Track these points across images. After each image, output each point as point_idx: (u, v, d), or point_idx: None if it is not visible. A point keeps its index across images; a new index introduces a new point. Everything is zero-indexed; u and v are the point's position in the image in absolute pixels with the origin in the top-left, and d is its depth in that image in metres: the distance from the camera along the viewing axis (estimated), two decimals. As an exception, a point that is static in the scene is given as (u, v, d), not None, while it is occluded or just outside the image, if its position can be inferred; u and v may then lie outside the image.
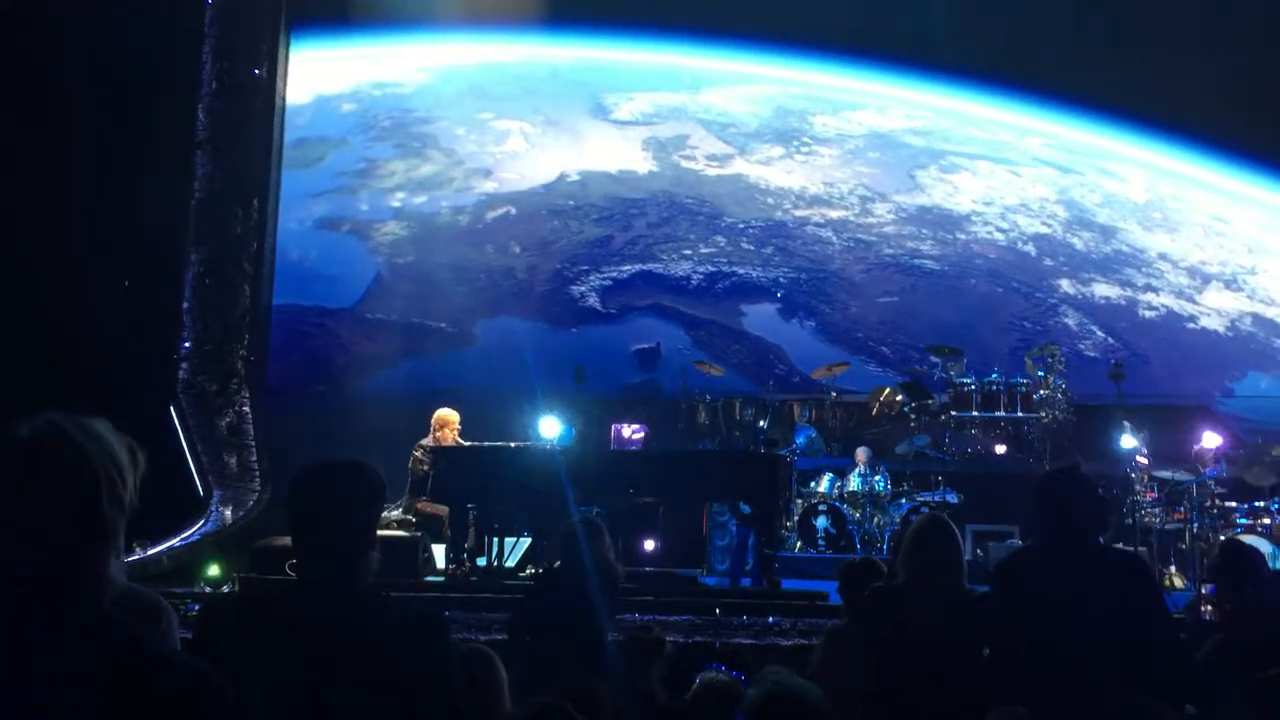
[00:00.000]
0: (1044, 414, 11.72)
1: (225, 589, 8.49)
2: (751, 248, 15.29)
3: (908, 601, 4.33)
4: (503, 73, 16.58)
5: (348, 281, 14.75)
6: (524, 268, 15.14)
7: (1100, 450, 11.36)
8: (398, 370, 12.96)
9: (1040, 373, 11.92)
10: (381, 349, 13.81)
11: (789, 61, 16.53)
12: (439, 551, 9.42)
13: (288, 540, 8.38)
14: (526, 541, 9.55)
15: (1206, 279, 15.17)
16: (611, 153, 15.96)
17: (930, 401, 11.96)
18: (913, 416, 12.02)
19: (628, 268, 15.03)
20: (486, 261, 15.11)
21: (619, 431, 10.57)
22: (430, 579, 9.12)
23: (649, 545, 10.87)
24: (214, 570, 8.56)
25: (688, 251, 15.19)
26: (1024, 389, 11.73)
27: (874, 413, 12.30)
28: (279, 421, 11.79)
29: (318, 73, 15.46)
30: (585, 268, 15.05)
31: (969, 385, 11.80)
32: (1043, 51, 14.96)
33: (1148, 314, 14.96)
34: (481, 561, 9.24)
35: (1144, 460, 10.33)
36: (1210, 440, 10.65)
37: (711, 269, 15.09)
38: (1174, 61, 14.21)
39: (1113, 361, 11.80)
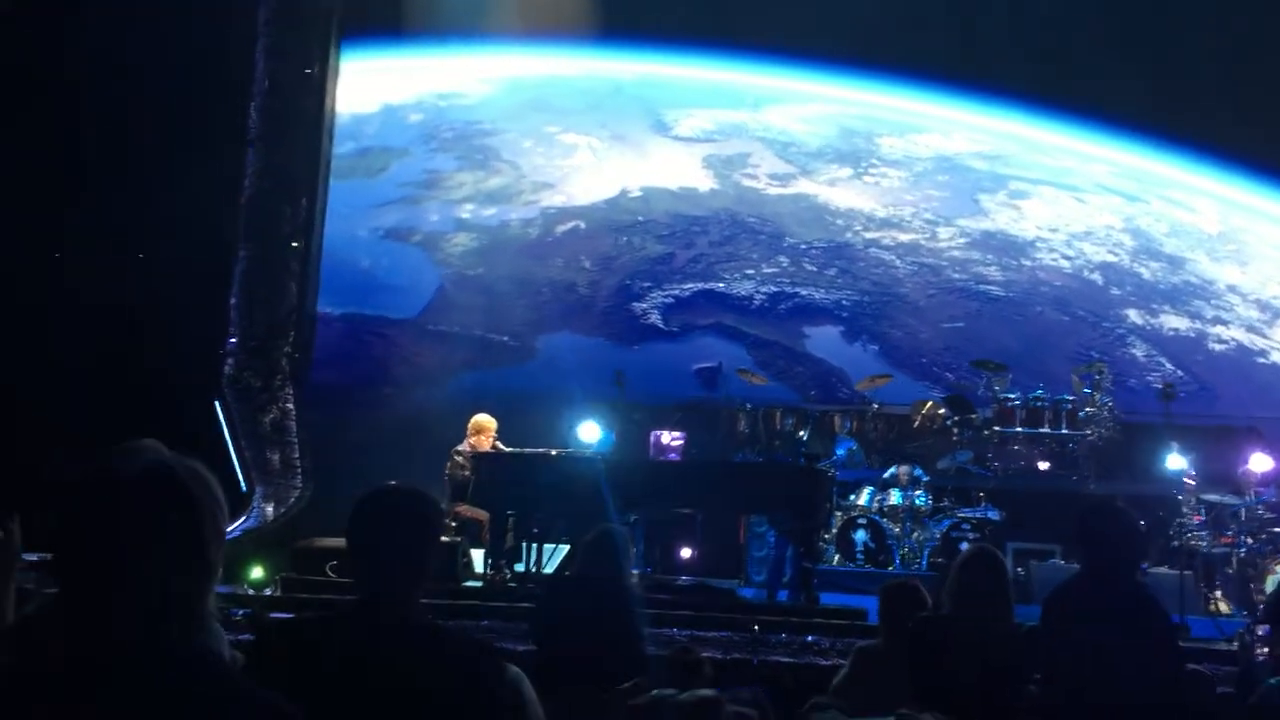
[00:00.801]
0: (1090, 431, 11.58)
1: (268, 591, 8.57)
2: (815, 269, 15.22)
3: (953, 632, 4.29)
4: (567, 86, 16.62)
5: (411, 292, 14.82)
6: (586, 283, 15.14)
7: (1147, 470, 11.22)
8: (460, 382, 12.91)
9: (1087, 390, 11.78)
10: (443, 360, 13.76)
11: (849, 81, 16.46)
12: (478, 556, 9.45)
13: (329, 541, 8.46)
14: (565, 548, 9.55)
15: (1277, 313, 14.93)
16: (673, 169, 15.98)
17: (974, 416, 11.85)
18: (955, 431, 11.91)
19: (690, 286, 15.00)
20: (549, 275, 15.13)
21: (658, 439, 10.56)
22: (469, 584, 9.15)
23: (686, 554, 10.86)
24: (257, 572, 8.64)
25: (750, 271, 15.13)
26: (1070, 406, 11.59)
27: (916, 426, 12.21)
28: (326, 423, 11.88)
29: (383, 82, 15.60)
30: (647, 284, 15.04)
31: (1013, 400, 11.67)
32: (1110, 79, 14.72)
33: (1217, 347, 14.75)
34: (520, 567, 9.27)
35: (1191, 481, 10.19)
36: (1259, 463, 10.48)
37: (774, 289, 15.03)
38: (1244, 94, 13.99)
39: (1165, 382, 11.64)
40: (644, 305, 14.69)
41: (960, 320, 13.65)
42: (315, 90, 11.78)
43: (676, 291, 14.95)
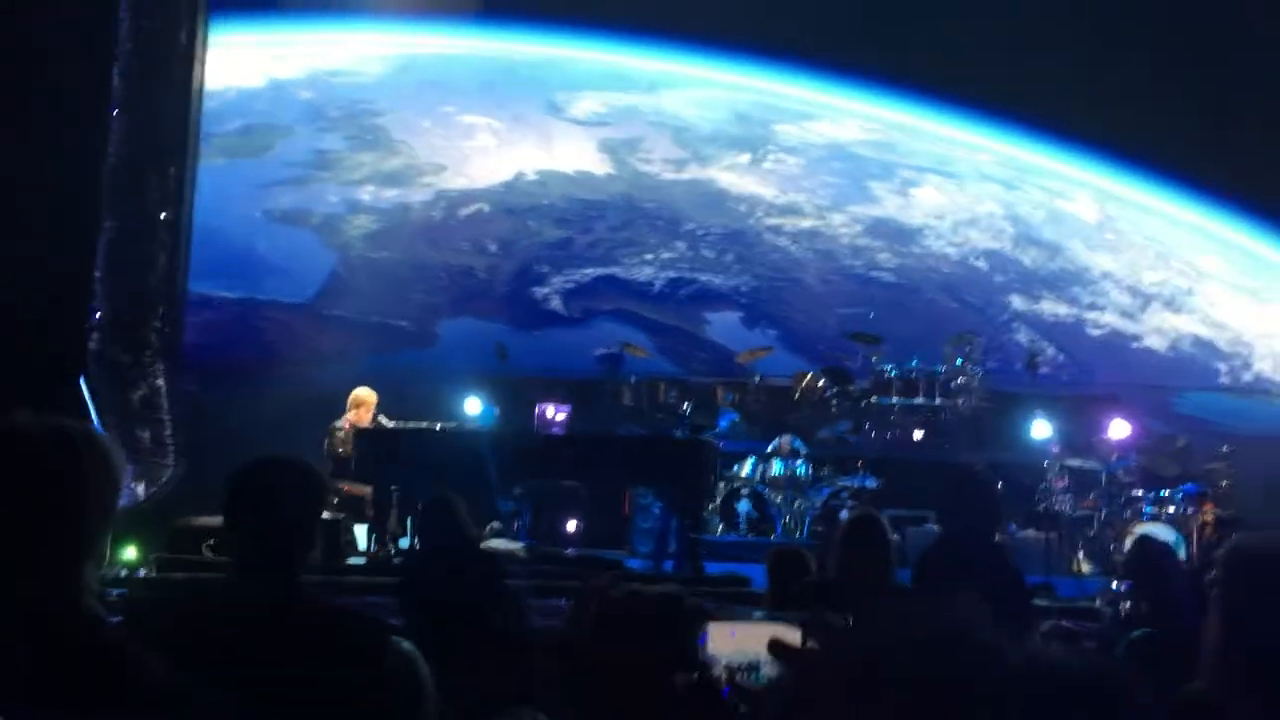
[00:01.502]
0: (960, 401, 11.95)
1: (142, 572, 8.30)
2: (712, 255, 15.27)
3: (840, 596, 4.40)
4: (460, 65, 16.28)
5: (303, 276, 14.39)
6: (484, 267, 14.93)
7: (1015, 438, 11.65)
8: (358, 368, 12.51)
9: (959, 360, 12.16)
10: (340, 346, 13.35)
11: (741, 67, 16.50)
12: (361, 533, 9.32)
13: (206, 520, 8.24)
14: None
15: (1148, 299, 15.57)
16: (567, 153, 15.82)
17: (852, 387, 12.12)
18: (834, 402, 12.17)
19: (589, 271, 14.90)
20: (445, 260, 14.87)
21: (543, 412, 10.54)
22: (353, 561, 9.02)
23: (571, 526, 10.88)
24: (131, 553, 8.36)
25: (649, 256, 15.10)
26: (942, 376, 11.95)
27: (796, 397, 12.43)
28: (212, 404, 11.56)
29: (270, 57, 15.08)
30: (546, 269, 14.87)
31: (889, 372, 11.98)
32: (993, 68, 15.08)
33: (1095, 332, 15.31)
34: (404, 543, 9.17)
35: (1056, 449, 10.62)
36: (1118, 429, 10.98)
37: (674, 274, 15.01)
38: (1121, 82, 14.48)
39: (1028, 352, 12.08)
40: (544, 290, 14.57)
41: (855, 306, 13.79)
42: (183, 54, 11.37)
43: (576, 277, 14.87)
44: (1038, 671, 1.17)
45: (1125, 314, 15.50)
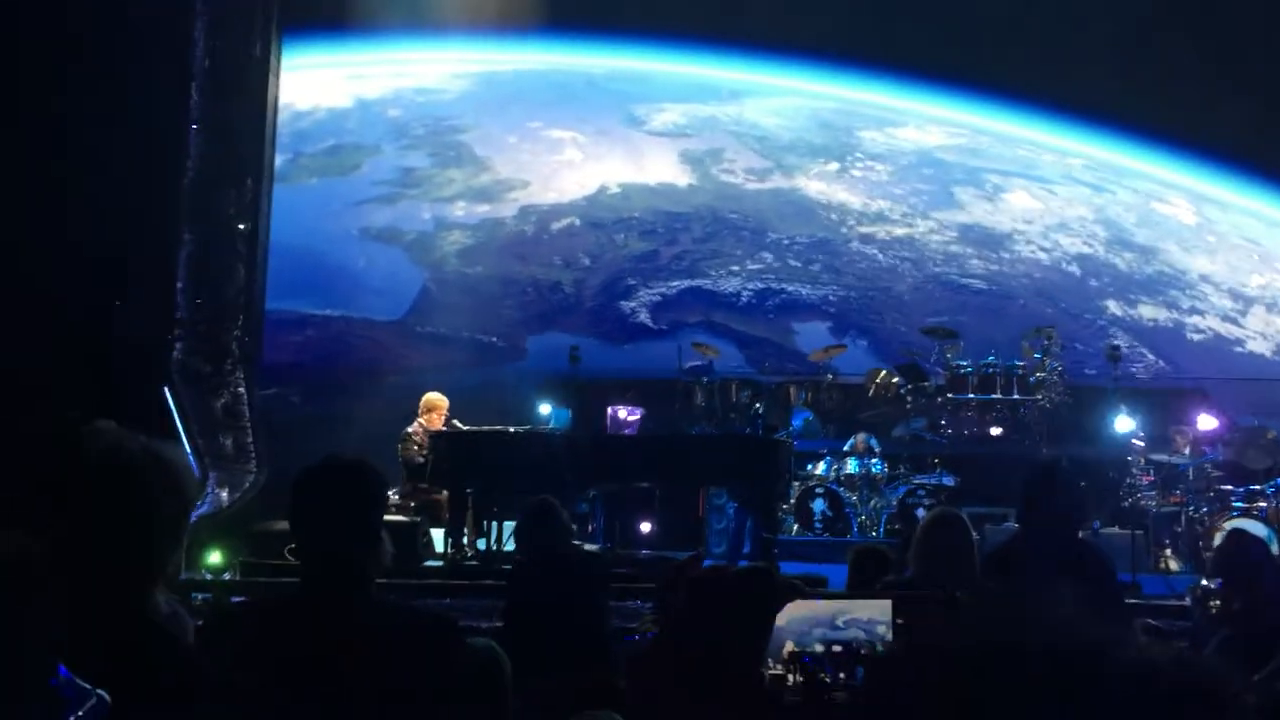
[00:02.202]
0: (1040, 396, 11.71)
1: (226, 576, 8.48)
2: (799, 264, 15.19)
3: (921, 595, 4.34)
4: (540, 80, 16.42)
5: (394, 294, 14.60)
6: (571, 282, 15.01)
7: (1097, 433, 11.39)
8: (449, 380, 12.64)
9: (1037, 355, 11.91)
10: (432, 361, 13.46)
11: (818, 75, 16.41)
12: (438, 536, 9.41)
13: (285, 524, 8.35)
14: (524, 525, 9.53)
15: (1250, 302, 15.15)
16: (649, 165, 15.88)
17: (926, 384, 11.95)
18: (909, 399, 12.01)
19: (676, 283, 14.89)
20: (533, 274, 14.98)
21: (615, 413, 10.55)
22: (430, 564, 9.11)
23: (645, 528, 10.88)
24: (215, 558, 8.54)
25: (735, 268, 15.07)
26: (1020, 372, 11.72)
27: (870, 395, 12.29)
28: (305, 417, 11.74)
29: (358, 78, 15.35)
30: (633, 283, 14.91)
31: (965, 368, 11.78)
32: (1081, 72, 14.81)
33: (1195, 337, 14.93)
34: (481, 545, 9.24)
35: (1140, 443, 10.36)
36: (1205, 423, 10.68)
37: (760, 285, 14.96)
38: (1213, 85, 14.14)
39: (1109, 343, 11.80)
40: (631, 304, 14.57)
41: (945, 314, 13.46)
42: (258, 68, 11.58)
43: (663, 289, 14.87)
44: (1138, 671, 1.12)
45: (1227, 318, 15.08)
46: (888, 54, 15.74)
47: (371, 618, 2.75)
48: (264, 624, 2.76)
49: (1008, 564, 4.49)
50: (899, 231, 15.53)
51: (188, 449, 10.96)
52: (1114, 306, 15.04)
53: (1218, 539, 8.80)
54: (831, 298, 14.90)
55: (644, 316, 14.19)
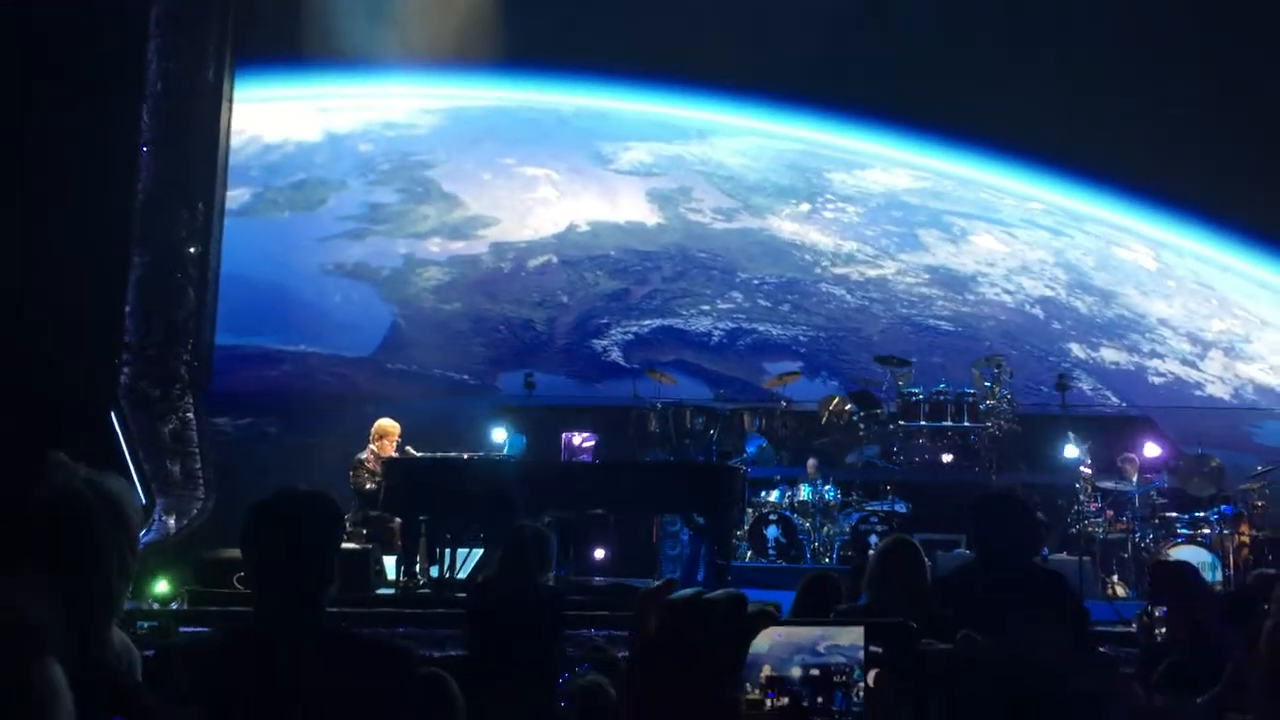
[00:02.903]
0: (990, 424, 11.85)
1: (174, 605, 8.34)
2: (769, 304, 15.26)
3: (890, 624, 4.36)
4: (511, 118, 16.43)
5: (363, 330, 14.47)
6: (543, 320, 14.96)
7: (1045, 460, 11.55)
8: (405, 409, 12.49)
9: (987, 383, 12.06)
10: (405, 397, 13.24)
11: (781, 116, 16.58)
12: (390, 563, 9.33)
13: (234, 552, 8.23)
14: (479, 552, 9.47)
15: (1207, 346, 15.46)
16: (618, 203, 15.91)
17: (879, 411, 12.05)
18: (861, 426, 12.11)
19: (648, 322, 14.90)
20: (504, 312, 14.93)
21: (569, 440, 10.52)
22: (382, 591, 9.02)
23: (600, 555, 10.85)
24: (162, 586, 8.40)
25: (706, 307, 15.12)
26: (971, 399, 11.86)
27: (823, 422, 12.37)
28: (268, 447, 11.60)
29: (325, 110, 15.31)
30: (605, 321, 14.88)
31: (917, 395, 11.90)
32: (1040, 117, 15.12)
33: (1156, 380, 15.18)
34: (434, 573, 9.16)
35: (1088, 470, 10.51)
36: (1150, 450, 10.87)
37: (731, 325, 14.98)
38: (1168, 133, 14.50)
39: (1058, 373, 11.99)
40: (604, 342, 14.52)
41: (913, 355, 13.41)
42: (211, 92, 11.51)
43: (635, 328, 14.87)
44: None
45: (1186, 361, 15.37)
46: (850, 97, 15.99)
47: (324, 648, 2.73)
48: (215, 656, 2.73)
49: (960, 591, 4.51)
50: (868, 272, 15.72)
51: (134, 475, 10.80)
52: (1077, 349, 15.30)
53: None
54: (802, 338, 14.99)
55: (616, 355, 14.16)
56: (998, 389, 11.94)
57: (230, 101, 11.87)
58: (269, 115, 14.39)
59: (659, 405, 12.08)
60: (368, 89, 15.81)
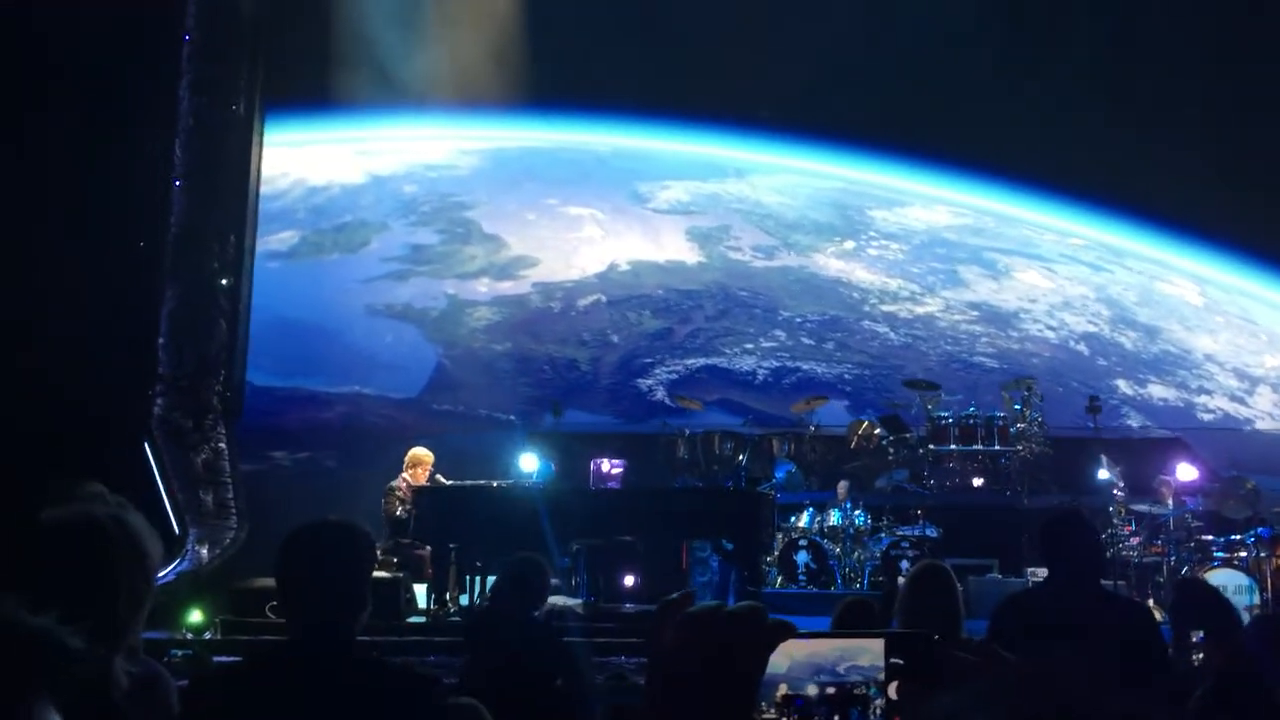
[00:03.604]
0: (1020, 447, 11.78)
1: (207, 635, 8.38)
2: (812, 342, 15.26)
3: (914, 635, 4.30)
4: (550, 158, 16.59)
5: (409, 371, 14.54)
6: (587, 359, 15.00)
7: (1077, 483, 11.44)
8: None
9: (1016, 406, 12.00)
10: (450, 430, 13.29)
11: (817, 154, 16.65)
12: (420, 591, 9.35)
13: (267, 581, 8.32)
14: (508, 580, 9.46)
15: (1256, 381, 15.33)
16: (657, 242, 15.99)
17: (908, 435, 12.00)
18: (891, 450, 12.06)
19: (692, 361, 14.91)
20: (548, 352, 14.98)
21: (598, 466, 10.54)
22: (413, 619, 9.04)
23: (629, 581, 10.82)
24: (195, 616, 8.45)
25: (749, 345, 15.13)
26: (1001, 423, 11.80)
27: (852, 446, 12.33)
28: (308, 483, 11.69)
29: (364, 154, 15.56)
30: (648, 360, 14.87)
31: (946, 419, 11.85)
32: (1080, 155, 15.12)
33: (1205, 416, 15.04)
34: (465, 600, 9.17)
35: (1120, 493, 10.40)
36: (1185, 473, 10.74)
37: (775, 363, 14.98)
38: (1207, 169, 14.47)
39: (1090, 395, 11.89)
40: (649, 381, 14.50)
41: (959, 393, 13.11)
42: (241, 126, 11.66)
43: (679, 368, 14.87)
44: None
45: (1234, 398, 15.23)
46: (887, 135, 16.04)
47: (355, 677, 2.75)
48: (248, 685, 2.75)
49: (1035, 626, 4.24)
50: (915, 309, 15.72)
51: (167, 505, 10.89)
52: (1124, 385, 15.19)
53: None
54: (847, 375, 14.94)
55: (661, 394, 14.11)
56: (1028, 412, 11.87)
57: (261, 135, 12.02)
58: (312, 158, 14.61)
59: (687, 431, 12.08)
60: (406, 131, 16.05)
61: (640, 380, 14.59)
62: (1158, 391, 15.14)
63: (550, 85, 15.24)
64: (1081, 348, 15.62)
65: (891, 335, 15.29)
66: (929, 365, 14.94)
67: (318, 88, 14.43)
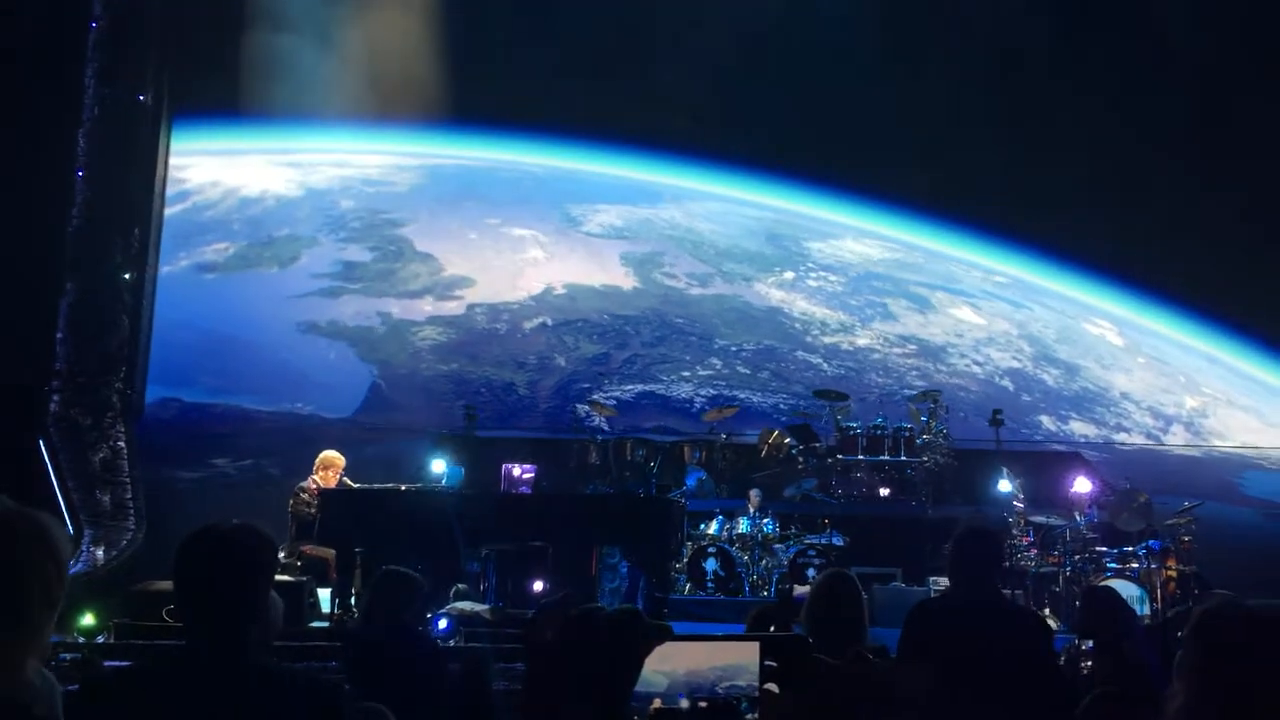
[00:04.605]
0: (926, 458, 12.02)
1: (100, 639, 8.13)
2: (748, 371, 15.30)
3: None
4: (489, 178, 16.43)
5: (343, 390, 14.25)
6: (525, 383, 14.85)
7: (979, 494, 11.71)
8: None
9: (923, 418, 12.24)
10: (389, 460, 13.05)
11: (745, 184, 16.76)
12: (325, 595, 9.19)
13: (164, 584, 8.10)
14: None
15: (1170, 420, 15.79)
16: (593, 267, 15.94)
17: (818, 444, 12.16)
18: (800, 460, 12.21)
19: (630, 387, 14.85)
20: (485, 374, 14.80)
21: (509, 471, 10.49)
22: (316, 624, 8.89)
23: (538, 587, 10.78)
24: (88, 619, 8.19)
25: (686, 373, 15.13)
26: (907, 434, 12.03)
27: (763, 455, 12.47)
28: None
29: (294, 165, 15.30)
30: (586, 385, 14.76)
31: (855, 429, 12.05)
32: (1004, 193, 15.47)
33: (1124, 450, 15.42)
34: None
35: (1020, 504, 10.67)
36: (1081, 486, 11.05)
37: (713, 391, 14.98)
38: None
39: (993, 409, 12.19)
40: (586, 407, 14.35)
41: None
42: (148, 118, 11.39)
43: (618, 393, 14.80)
44: None
45: (1149, 435, 15.69)
46: (813, 167, 16.26)
47: (251, 682, 2.70)
48: (140, 690, 2.68)
49: (936, 635, 4.34)
50: (853, 340, 15.91)
51: (61, 505, 10.56)
52: (1048, 421, 15.55)
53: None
54: (782, 405, 15.01)
55: (599, 420, 13.99)
56: (934, 424, 12.12)
57: (170, 128, 11.75)
58: (244, 169, 14.32)
59: (599, 438, 12.09)
60: (341, 145, 15.86)
61: (578, 405, 14.51)
62: (1079, 428, 15.58)
63: (478, 104, 15.18)
64: (1006, 383, 16.00)
65: (825, 366, 15.49)
66: (860, 398, 15.04)
67: (242, 96, 14.18)
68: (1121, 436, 15.67)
